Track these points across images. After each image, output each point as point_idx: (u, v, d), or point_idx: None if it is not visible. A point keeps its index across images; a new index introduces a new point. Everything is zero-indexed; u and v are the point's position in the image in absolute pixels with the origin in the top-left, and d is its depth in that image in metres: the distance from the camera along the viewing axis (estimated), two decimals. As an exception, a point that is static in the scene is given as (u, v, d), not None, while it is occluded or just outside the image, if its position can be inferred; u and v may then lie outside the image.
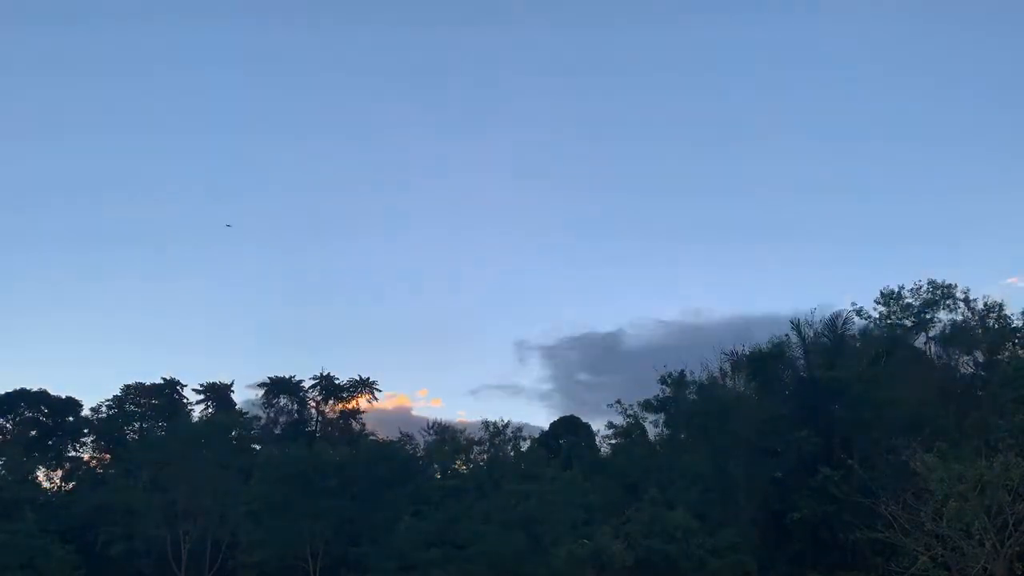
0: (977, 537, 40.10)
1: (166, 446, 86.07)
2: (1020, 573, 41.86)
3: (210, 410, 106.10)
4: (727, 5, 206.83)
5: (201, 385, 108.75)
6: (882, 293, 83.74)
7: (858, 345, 79.46)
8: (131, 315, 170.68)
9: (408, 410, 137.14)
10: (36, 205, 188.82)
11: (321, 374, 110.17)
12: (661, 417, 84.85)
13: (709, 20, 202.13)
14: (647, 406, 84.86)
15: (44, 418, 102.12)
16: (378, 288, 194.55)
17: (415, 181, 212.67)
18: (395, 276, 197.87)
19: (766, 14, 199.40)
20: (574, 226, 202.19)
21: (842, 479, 59.84)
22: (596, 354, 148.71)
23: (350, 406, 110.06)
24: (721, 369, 79.32)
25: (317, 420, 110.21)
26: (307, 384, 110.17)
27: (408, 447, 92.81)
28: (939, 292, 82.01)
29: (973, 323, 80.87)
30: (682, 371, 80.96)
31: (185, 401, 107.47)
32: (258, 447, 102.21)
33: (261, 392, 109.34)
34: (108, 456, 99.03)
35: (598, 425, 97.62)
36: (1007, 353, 78.58)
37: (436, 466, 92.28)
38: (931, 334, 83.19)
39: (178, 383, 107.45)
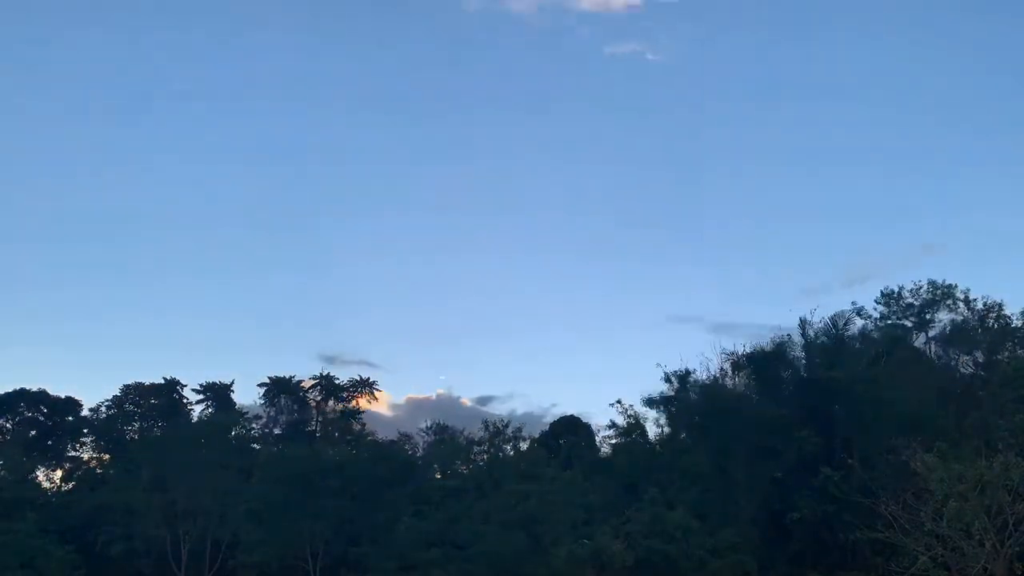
0: (977, 537, 40.06)
1: (166, 446, 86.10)
2: (1020, 573, 41.82)
3: (210, 410, 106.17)
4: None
5: (201, 385, 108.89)
6: (882, 293, 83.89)
7: (858, 345, 79.52)
8: (131, 315, 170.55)
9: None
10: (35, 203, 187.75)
11: (321, 374, 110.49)
12: (662, 415, 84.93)
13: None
14: (649, 402, 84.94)
15: (44, 418, 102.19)
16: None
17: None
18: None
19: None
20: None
21: (842, 479, 59.81)
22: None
23: (351, 405, 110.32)
24: (722, 369, 79.44)
25: (317, 420, 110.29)
26: (307, 384, 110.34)
27: (407, 447, 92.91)
28: (939, 292, 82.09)
29: (973, 323, 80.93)
30: (687, 369, 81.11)
31: (185, 401, 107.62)
32: (258, 447, 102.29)
33: (261, 392, 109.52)
34: (108, 456, 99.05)
35: (598, 425, 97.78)
36: (1007, 353, 78.64)
37: (436, 465, 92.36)
38: (931, 334, 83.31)
39: (178, 383, 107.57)
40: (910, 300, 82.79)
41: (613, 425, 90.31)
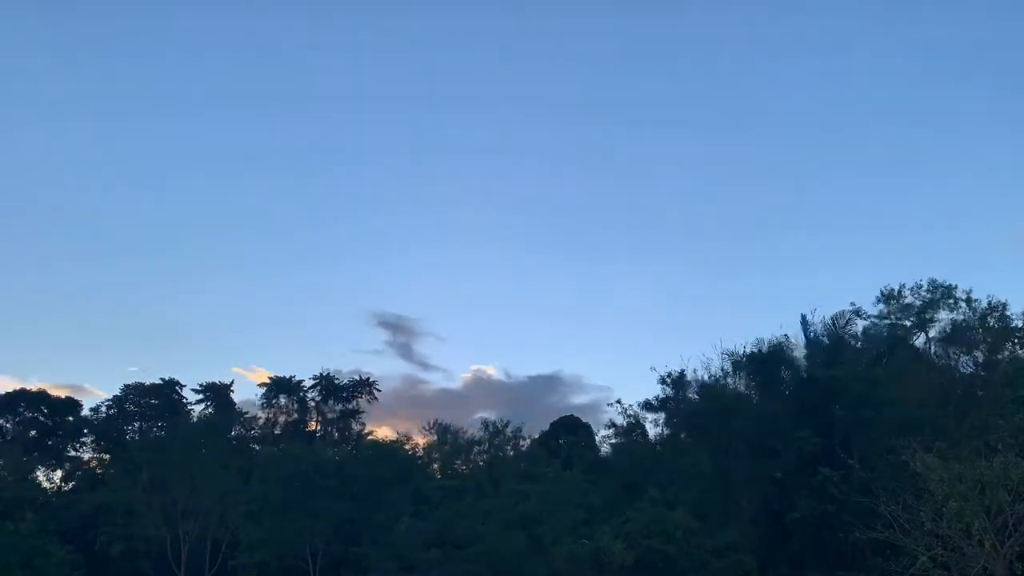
0: (977, 537, 40.02)
1: (166, 446, 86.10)
2: (1020, 573, 41.78)
3: (210, 410, 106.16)
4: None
5: (201, 385, 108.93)
6: (882, 292, 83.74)
7: (858, 345, 79.50)
8: (131, 315, 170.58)
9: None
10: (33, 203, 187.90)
11: (321, 374, 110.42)
12: (661, 417, 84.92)
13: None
14: (647, 406, 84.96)
15: (44, 418, 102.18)
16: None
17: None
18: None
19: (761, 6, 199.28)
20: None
21: (842, 479, 59.79)
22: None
23: (351, 406, 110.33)
24: (722, 369, 79.44)
25: (317, 420, 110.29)
26: (307, 384, 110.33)
27: (407, 447, 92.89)
28: (939, 292, 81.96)
29: (973, 323, 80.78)
30: (682, 371, 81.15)
31: (185, 401, 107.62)
32: (258, 447, 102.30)
33: (261, 392, 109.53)
34: (108, 456, 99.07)
35: (598, 425, 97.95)
36: (1007, 353, 78.56)
37: (435, 465, 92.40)
38: (931, 334, 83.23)
39: (178, 383, 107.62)
40: (910, 299, 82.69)
41: (613, 425, 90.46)
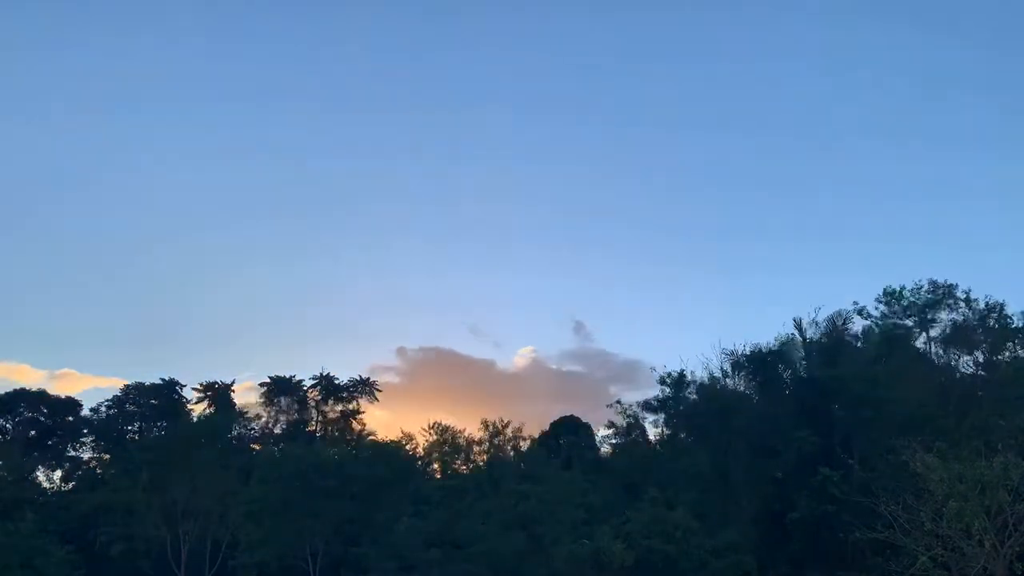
0: (977, 537, 40.00)
1: (166, 446, 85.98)
2: (1020, 573, 41.74)
3: (210, 410, 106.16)
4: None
5: (201, 385, 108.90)
6: (885, 291, 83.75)
7: (859, 345, 79.53)
8: (132, 314, 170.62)
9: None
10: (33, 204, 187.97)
11: (321, 374, 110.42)
12: (661, 417, 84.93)
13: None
14: (647, 406, 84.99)
15: (44, 418, 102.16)
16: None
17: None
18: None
19: (758, 9, 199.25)
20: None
21: (842, 479, 59.81)
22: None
23: (351, 406, 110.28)
24: (721, 369, 79.48)
25: (317, 420, 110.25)
26: (307, 384, 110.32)
27: (407, 447, 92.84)
28: (940, 292, 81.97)
29: (974, 323, 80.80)
30: (681, 371, 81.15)
31: (185, 401, 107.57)
32: (258, 447, 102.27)
33: (261, 392, 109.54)
34: (108, 456, 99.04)
35: (598, 425, 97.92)
36: (1008, 353, 78.58)
37: (435, 465, 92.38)
38: (932, 334, 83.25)
39: (178, 383, 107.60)
40: (911, 299, 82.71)
41: (612, 425, 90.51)
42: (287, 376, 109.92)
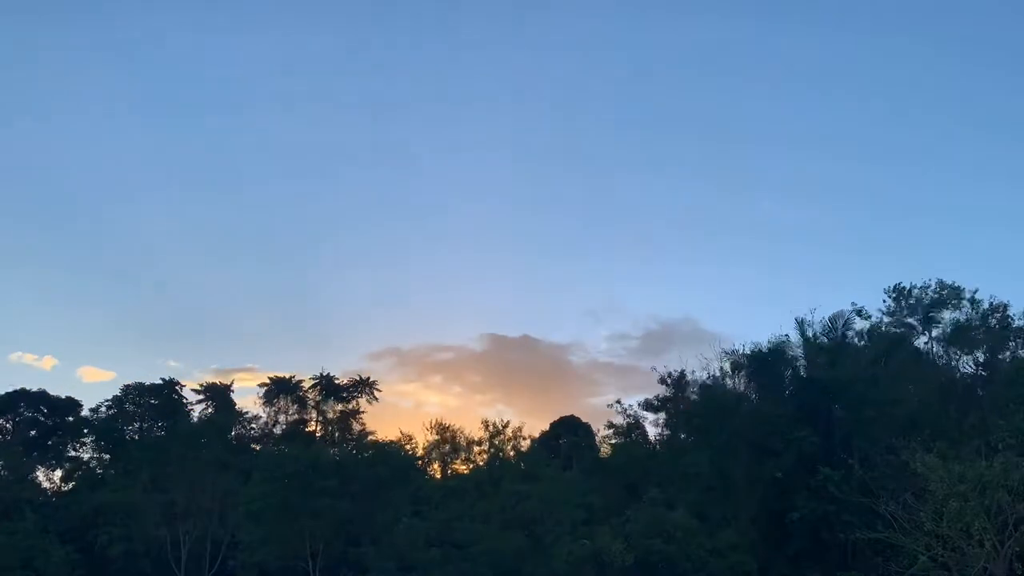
0: (977, 537, 40.01)
1: (166, 446, 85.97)
2: (1020, 573, 41.81)
3: (210, 410, 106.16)
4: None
5: (201, 385, 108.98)
6: (893, 288, 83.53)
7: (859, 344, 79.45)
8: (131, 315, 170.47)
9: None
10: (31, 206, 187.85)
11: (321, 374, 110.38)
12: (661, 417, 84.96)
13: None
14: (647, 406, 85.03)
15: (44, 418, 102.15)
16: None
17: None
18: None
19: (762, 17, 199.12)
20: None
21: (842, 479, 59.76)
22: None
23: (351, 406, 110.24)
24: (721, 369, 79.47)
25: (317, 420, 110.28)
26: (307, 384, 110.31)
27: (407, 447, 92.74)
28: (946, 292, 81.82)
29: (975, 323, 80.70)
30: (682, 371, 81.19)
31: (185, 401, 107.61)
32: (258, 447, 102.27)
33: (261, 392, 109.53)
34: (108, 456, 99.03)
35: (598, 425, 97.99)
36: (1009, 353, 78.53)
37: (435, 465, 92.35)
38: (934, 333, 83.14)
39: (178, 383, 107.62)
40: (918, 298, 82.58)
41: (612, 425, 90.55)
42: (287, 376, 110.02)
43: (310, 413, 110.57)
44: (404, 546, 69.00)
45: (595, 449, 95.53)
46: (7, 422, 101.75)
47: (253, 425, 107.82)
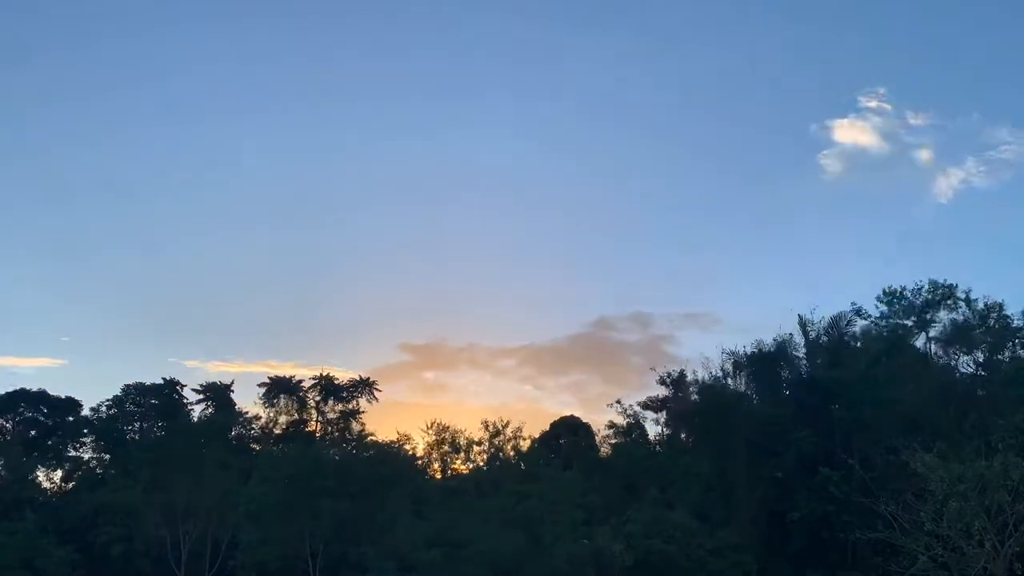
0: (977, 537, 40.07)
1: (166, 446, 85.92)
2: (1020, 573, 41.85)
3: (210, 410, 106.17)
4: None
5: (201, 385, 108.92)
6: (884, 291, 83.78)
7: (859, 345, 79.56)
8: (132, 314, 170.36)
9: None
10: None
11: (321, 374, 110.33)
12: (661, 417, 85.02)
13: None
14: (647, 406, 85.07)
15: (44, 418, 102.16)
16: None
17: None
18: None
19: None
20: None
21: (842, 479, 59.88)
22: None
23: (351, 406, 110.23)
24: (722, 368, 79.55)
25: (317, 420, 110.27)
26: (307, 384, 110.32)
27: (407, 447, 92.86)
28: (940, 292, 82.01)
29: (974, 323, 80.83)
30: (681, 371, 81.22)
31: (185, 401, 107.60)
32: (258, 447, 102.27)
33: (261, 392, 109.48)
34: (108, 456, 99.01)
35: (598, 425, 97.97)
36: (1007, 353, 78.63)
37: (435, 465, 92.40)
38: (931, 334, 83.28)
39: (178, 383, 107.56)
40: (911, 299, 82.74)
41: (613, 425, 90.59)
42: (287, 376, 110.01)
43: (310, 413, 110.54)
44: (404, 546, 69.00)
45: (595, 449, 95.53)
46: (7, 422, 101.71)
47: (253, 425, 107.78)
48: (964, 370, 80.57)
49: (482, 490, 76.89)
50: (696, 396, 79.62)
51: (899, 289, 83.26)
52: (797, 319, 77.99)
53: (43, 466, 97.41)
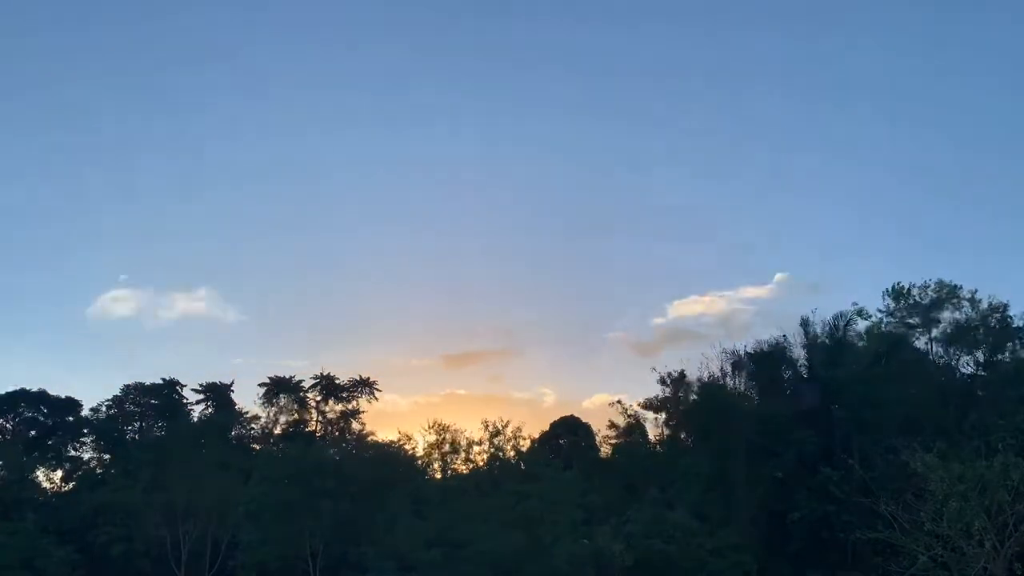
0: (977, 537, 40.02)
1: (166, 446, 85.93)
2: (1020, 573, 41.80)
3: (210, 410, 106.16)
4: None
5: (201, 385, 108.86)
6: (892, 288, 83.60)
7: (860, 344, 79.52)
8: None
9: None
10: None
11: (321, 374, 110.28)
12: (661, 417, 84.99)
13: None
14: (647, 406, 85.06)
15: (44, 418, 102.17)
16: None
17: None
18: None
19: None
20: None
21: (842, 479, 59.83)
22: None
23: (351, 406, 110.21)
24: (722, 368, 79.51)
25: (317, 420, 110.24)
26: (307, 384, 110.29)
27: (407, 447, 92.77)
28: (945, 291, 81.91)
29: (975, 323, 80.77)
30: (682, 371, 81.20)
31: (185, 401, 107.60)
32: (258, 447, 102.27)
33: (261, 392, 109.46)
34: (108, 456, 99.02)
35: (598, 425, 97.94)
36: (1008, 353, 78.59)
37: (436, 465, 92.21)
38: (933, 334, 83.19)
39: (178, 383, 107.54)
40: (918, 298, 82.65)
41: (613, 425, 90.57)
42: (287, 376, 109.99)
43: (310, 413, 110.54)
44: (404, 546, 68.96)
45: (595, 449, 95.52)
46: (7, 422, 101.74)
47: (253, 425, 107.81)
48: (964, 370, 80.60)
49: (482, 490, 76.77)
50: (696, 396, 79.61)
51: (907, 287, 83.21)
52: (800, 320, 78.00)
53: (43, 466, 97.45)
